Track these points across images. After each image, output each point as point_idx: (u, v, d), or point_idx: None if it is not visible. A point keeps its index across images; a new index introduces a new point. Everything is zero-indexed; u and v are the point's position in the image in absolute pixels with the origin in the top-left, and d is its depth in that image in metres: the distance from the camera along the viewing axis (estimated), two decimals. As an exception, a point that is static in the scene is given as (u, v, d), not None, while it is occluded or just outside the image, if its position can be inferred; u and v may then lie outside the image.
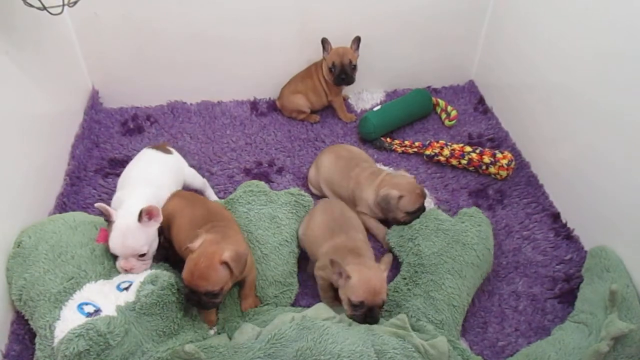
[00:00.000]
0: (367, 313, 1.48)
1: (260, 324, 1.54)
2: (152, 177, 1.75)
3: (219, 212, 1.70)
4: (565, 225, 1.96)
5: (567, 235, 1.92)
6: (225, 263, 1.43)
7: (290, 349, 1.36)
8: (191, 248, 1.46)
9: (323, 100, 2.43)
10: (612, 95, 1.68)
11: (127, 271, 1.54)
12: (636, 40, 1.55)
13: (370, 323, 1.47)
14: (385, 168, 2.16)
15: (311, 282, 1.78)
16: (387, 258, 1.59)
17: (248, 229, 1.74)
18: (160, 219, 1.58)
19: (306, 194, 1.88)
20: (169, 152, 1.92)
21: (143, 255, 1.55)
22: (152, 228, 1.57)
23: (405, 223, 1.82)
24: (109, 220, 1.56)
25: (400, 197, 1.79)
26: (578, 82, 1.86)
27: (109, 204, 1.94)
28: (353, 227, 1.71)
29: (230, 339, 1.51)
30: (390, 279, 1.71)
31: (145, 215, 1.54)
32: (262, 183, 1.89)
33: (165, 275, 1.48)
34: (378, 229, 1.91)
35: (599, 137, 1.77)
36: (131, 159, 2.17)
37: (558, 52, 1.96)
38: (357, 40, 2.31)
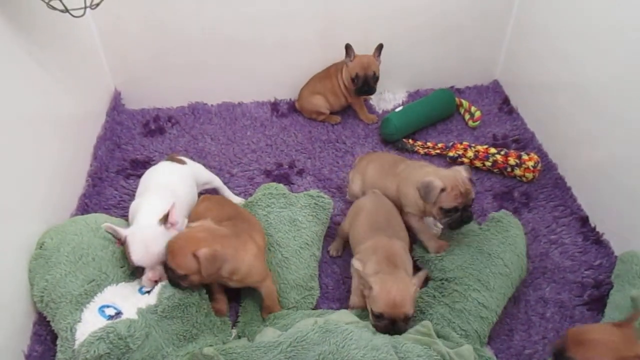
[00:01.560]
0: (390, 325, 1.45)
1: (282, 327, 1.53)
2: (168, 186, 1.71)
3: (247, 216, 1.70)
4: (594, 229, 1.90)
5: (596, 240, 1.86)
6: (195, 256, 1.40)
7: (312, 353, 1.34)
8: (189, 224, 1.47)
9: (342, 101, 2.40)
10: (637, 98, 1.62)
11: (156, 282, 1.48)
12: None
13: (393, 334, 1.44)
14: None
15: (332, 287, 1.75)
16: (422, 273, 1.54)
17: (268, 232, 1.73)
18: (178, 224, 1.55)
19: (326, 195, 1.86)
20: (183, 163, 1.89)
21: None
22: (173, 233, 1.52)
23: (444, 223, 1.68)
24: (119, 239, 1.52)
25: (442, 189, 1.60)
26: (607, 82, 1.80)
27: (130, 205, 1.98)
28: (396, 233, 1.66)
29: (250, 342, 1.50)
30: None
31: (169, 220, 1.51)
32: (281, 185, 1.88)
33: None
34: (425, 233, 1.75)
35: (628, 139, 1.71)
36: (153, 160, 2.21)
37: (586, 51, 1.90)
38: (380, 47, 2.28)
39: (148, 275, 1.48)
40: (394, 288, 1.44)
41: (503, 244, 1.67)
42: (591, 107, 1.91)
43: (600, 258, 1.81)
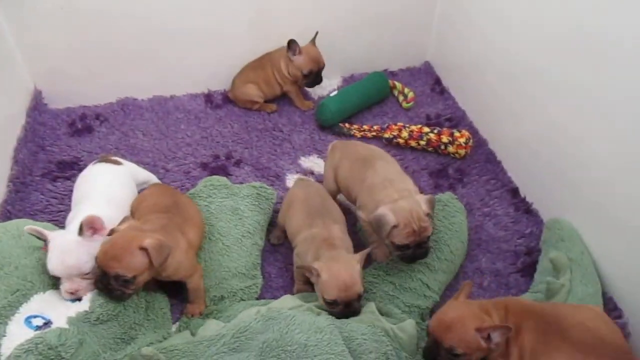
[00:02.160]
0: (345, 309, 1.44)
1: (225, 319, 1.51)
2: (104, 193, 1.62)
3: (184, 209, 1.62)
4: (524, 199, 1.98)
5: (526, 210, 1.94)
6: (144, 249, 1.33)
7: (256, 342, 1.33)
8: (115, 229, 1.38)
9: (276, 91, 2.38)
10: (565, 75, 1.69)
11: (72, 294, 1.39)
12: (593, 20, 1.55)
13: (350, 317, 1.44)
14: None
15: (275, 275, 1.74)
16: (365, 251, 1.52)
17: (210, 221, 1.70)
18: (105, 232, 1.42)
19: (269, 187, 1.84)
20: (118, 163, 1.79)
21: (88, 273, 1.40)
22: (96, 243, 1.40)
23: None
24: (44, 241, 1.42)
25: (395, 226, 1.49)
26: (531, 61, 1.86)
27: (58, 209, 1.88)
28: (331, 217, 1.65)
29: (193, 336, 1.47)
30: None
31: (88, 228, 1.40)
32: (224, 178, 1.85)
33: None
34: (375, 240, 1.67)
35: (553, 114, 1.78)
36: (81, 161, 2.11)
37: (513, 31, 1.96)
38: (315, 35, 2.27)
39: (65, 287, 1.39)
40: (342, 271, 1.43)
41: (450, 230, 1.71)
42: (516, 85, 1.97)
43: (531, 226, 1.88)
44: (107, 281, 1.34)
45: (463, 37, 2.34)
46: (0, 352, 1.26)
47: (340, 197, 1.86)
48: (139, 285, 1.38)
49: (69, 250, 1.38)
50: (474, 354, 1.28)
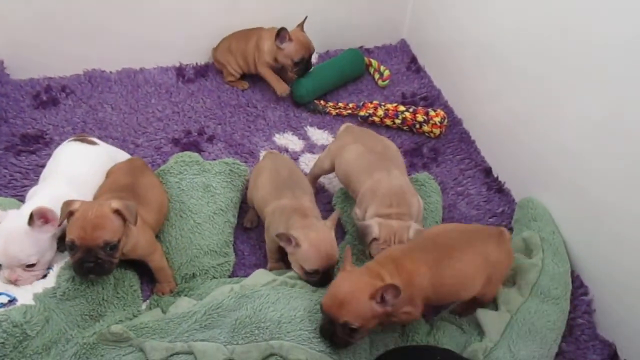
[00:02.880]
0: (323, 277, 1.44)
1: (197, 297, 1.49)
2: (68, 173, 1.55)
3: (144, 193, 1.56)
4: (496, 179, 2.00)
5: (498, 189, 1.97)
6: (117, 211, 1.33)
7: (228, 319, 1.32)
8: (72, 209, 1.31)
9: (251, 69, 2.30)
10: (538, 56, 1.70)
11: (10, 283, 1.32)
12: (563, 2, 1.56)
13: (325, 285, 1.42)
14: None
15: (248, 253, 1.73)
16: (335, 215, 1.51)
17: (180, 199, 1.67)
18: (56, 223, 1.35)
19: (241, 163, 1.81)
20: (93, 143, 1.72)
21: (32, 265, 1.34)
22: (46, 234, 1.35)
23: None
24: None
25: (375, 238, 1.52)
26: (507, 42, 1.86)
27: (22, 184, 1.81)
28: (300, 187, 1.63)
29: (164, 314, 1.45)
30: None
31: (38, 218, 1.33)
32: (195, 154, 1.81)
33: None
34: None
35: (525, 95, 1.80)
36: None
37: (488, 10, 1.96)
38: (304, 21, 2.20)
39: (4, 273, 1.32)
40: (321, 239, 1.42)
41: (425, 210, 1.72)
42: (490, 65, 1.98)
43: (503, 206, 1.91)
44: (94, 256, 1.30)
45: (438, 15, 2.33)
46: (-36, 331, 1.22)
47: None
48: (118, 251, 1.35)
49: (13, 239, 1.30)
50: (370, 324, 1.23)
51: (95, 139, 1.76)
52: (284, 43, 2.13)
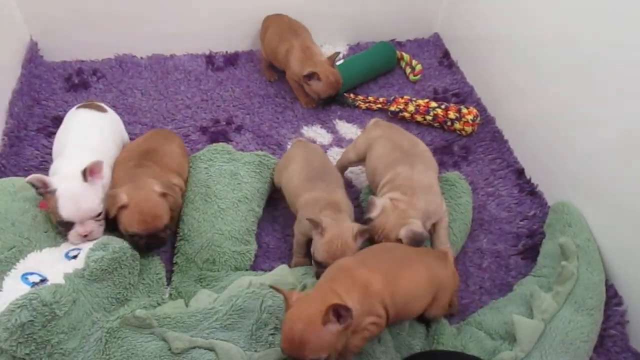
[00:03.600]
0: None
1: (218, 290, 1.49)
2: (89, 142, 1.59)
3: (162, 158, 1.63)
4: (529, 181, 1.95)
5: (531, 191, 1.92)
6: (163, 194, 1.47)
7: (247, 321, 1.33)
8: (123, 204, 1.43)
9: (278, 64, 2.24)
10: (578, 52, 1.64)
11: (86, 237, 1.42)
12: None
13: None
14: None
15: (273, 245, 1.72)
16: (365, 227, 1.45)
17: (207, 183, 1.67)
18: (103, 175, 1.47)
19: (272, 156, 1.80)
20: (103, 110, 1.75)
21: (99, 215, 1.44)
22: (99, 186, 1.46)
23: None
24: (45, 191, 1.40)
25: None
26: (545, 37, 1.80)
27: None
28: (333, 181, 1.61)
29: (186, 305, 1.45)
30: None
31: (90, 173, 1.42)
32: (229, 146, 1.81)
33: (116, 241, 1.41)
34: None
35: (563, 93, 1.74)
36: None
37: (524, 6, 1.90)
38: (336, 56, 2.10)
39: (78, 230, 1.41)
40: (338, 237, 1.41)
41: (455, 211, 1.68)
42: (527, 61, 1.92)
43: (535, 209, 1.86)
44: (156, 239, 1.48)
45: (475, 9, 2.27)
46: (-5, 307, 1.24)
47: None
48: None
49: (80, 194, 1.40)
50: (338, 345, 1.14)
51: (102, 104, 1.78)
52: (312, 81, 2.07)
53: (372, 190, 1.72)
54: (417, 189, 1.53)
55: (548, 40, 1.78)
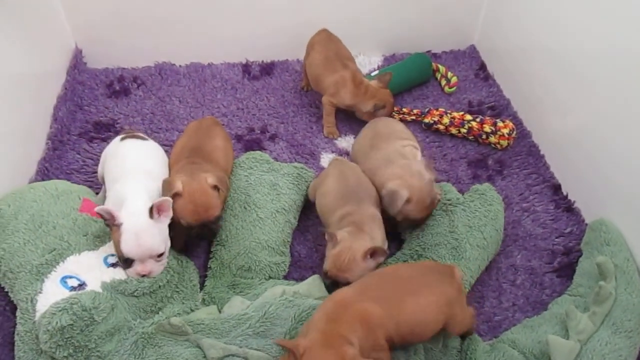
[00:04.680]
0: (332, 284, 1.45)
1: (251, 297, 1.50)
2: (145, 167, 1.60)
3: (211, 154, 1.69)
4: (566, 197, 1.91)
5: (567, 208, 1.88)
6: (215, 186, 1.51)
7: (279, 329, 1.34)
8: (177, 191, 1.47)
9: (312, 85, 2.22)
10: (618, 68, 1.60)
11: (144, 276, 1.40)
12: None
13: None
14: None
15: (304, 255, 1.73)
16: (381, 251, 1.46)
17: (247, 192, 1.70)
18: (171, 213, 1.44)
19: (310, 169, 1.82)
20: (146, 139, 1.77)
21: (160, 255, 1.42)
22: (164, 224, 1.43)
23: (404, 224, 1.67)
24: (113, 224, 1.38)
25: (409, 200, 1.58)
26: (584, 52, 1.77)
27: (93, 170, 1.89)
28: (367, 198, 1.62)
29: (219, 311, 1.48)
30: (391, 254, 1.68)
31: (157, 211, 1.41)
32: (266, 155, 1.84)
33: None
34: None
35: (603, 109, 1.70)
36: (117, 123, 2.11)
37: (565, 18, 1.87)
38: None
39: (137, 269, 1.39)
40: (345, 252, 1.42)
41: (485, 217, 1.66)
42: (568, 74, 1.88)
43: (571, 226, 1.82)
44: (207, 229, 1.54)
45: (512, 22, 2.24)
46: (36, 308, 1.28)
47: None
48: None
49: (144, 232, 1.37)
50: None
51: (141, 134, 1.80)
52: (379, 111, 2.05)
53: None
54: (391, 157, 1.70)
55: (591, 53, 1.75)
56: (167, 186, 1.48)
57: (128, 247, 1.36)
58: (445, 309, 1.30)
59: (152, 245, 1.38)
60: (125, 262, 1.38)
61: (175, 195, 1.46)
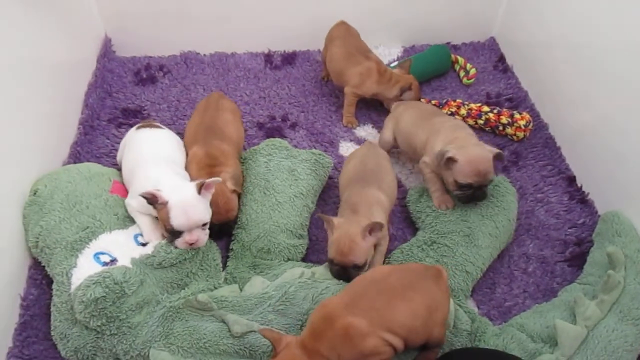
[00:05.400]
0: (341, 271, 1.48)
1: (271, 277, 1.57)
2: (169, 155, 1.72)
3: (223, 129, 1.83)
4: (580, 189, 1.94)
5: (581, 199, 1.91)
6: (234, 191, 1.67)
7: (297, 308, 1.41)
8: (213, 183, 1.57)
9: (331, 77, 2.26)
10: (635, 60, 1.62)
11: (192, 245, 1.50)
12: None
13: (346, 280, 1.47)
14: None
15: (322, 239, 1.79)
16: (375, 222, 1.48)
17: (266, 177, 1.76)
18: (213, 190, 1.57)
19: (327, 155, 1.87)
20: (160, 127, 1.87)
21: (205, 224, 1.53)
22: (207, 198, 1.55)
23: (459, 197, 1.68)
24: (156, 203, 1.48)
25: (454, 160, 1.62)
26: (603, 45, 1.79)
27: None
28: (375, 182, 1.65)
29: (240, 290, 1.55)
30: (403, 241, 1.75)
31: (205, 188, 1.52)
32: (285, 141, 1.89)
33: None
34: (433, 184, 1.75)
35: (620, 102, 1.72)
36: (144, 110, 2.19)
37: (585, 11, 1.88)
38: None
39: (185, 238, 1.49)
40: (343, 236, 1.46)
41: (497, 207, 1.70)
42: (587, 68, 1.90)
43: (584, 217, 1.85)
44: (220, 227, 1.67)
45: (536, 13, 2.25)
46: (71, 281, 1.37)
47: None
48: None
49: (191, 206, 1.48)
50: None
51: (157, 123, 1.91)
52: (405, 94, 2.11)
53: (412, 155, 1.93)
54: (459, 126, 1.78)
55: (610, 47, 1.76)
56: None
57: (178, 221, 1.46)
58: (431, 314, 1.29)
59: (199, 215, 1.50)
60: (174, 234, 1.49)
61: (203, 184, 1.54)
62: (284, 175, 1.76)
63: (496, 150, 1.66)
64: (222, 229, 1.69)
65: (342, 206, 1.62)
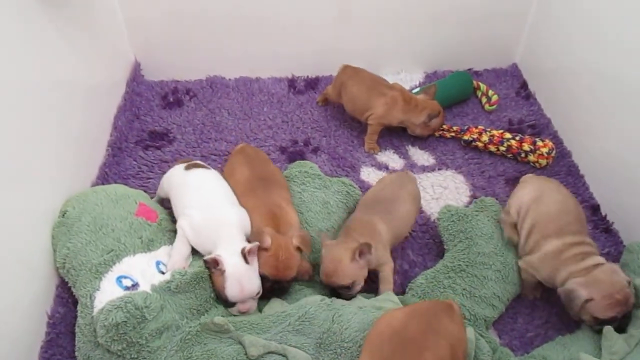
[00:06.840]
0: (332, 291, 1.54)
1: (290, 301, 1.58)
2: (226, 195, 1.71)
3: (274, 179, 1.78)
4: (604, 218, 1.91)
5: (605, 229, 1.88)
6: (298, 248, 1.56)
7: (317, 329, 1.41)
8: (265, 247, 1.54)
9: (348, 109, 2.25)
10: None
11: (244, 313, 1.52)
12: None
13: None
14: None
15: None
16: (358, 246, 1.51)
17: (300, 209, 1.77)
18: (256, 255, 1.55)
19: (357, 187, 1.87)
20: (208, 168, 1.86)
21: (257, 294, 1.54)
22: (256, 265, 1.54)
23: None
24: (214, 268, 1.50)
25: (589, 300, 1.47)
26: (628, 72, 1.78)
27: (147, 175, 2.02)
28: (381, 212, 1.66)
29: (260, 311, 1.56)
30: (423, 267, 1.75)
31: (249, 254, 1.52)
32: (315, 166, 1.90)
33: (198, 262, 1.55)
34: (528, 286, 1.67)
35: (647, 130, 1.71)
36: (170, 133, 2.24)
37: (609, 38, 1.88)
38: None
39: (238, 307, 1.52)
40: (328, 258, 1.51)
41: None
42: (611, 95, 1.89)
43: (609, 247, 1.82)
44: (282, 285, 1.58)
45: (555, 40, 2.25)
46: (94, 304, 1.40)
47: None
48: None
49: (245, 279, 1.49)
50: None
51: (201, 162, 1.89)
52: (433, 120, 2.14)
53: None
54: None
55: (632, 73, 1.76)
56: (256, 237, 1.56)
57: (233, 293, 1.49)
58: (452, 351, 1.26)
59: (252, 289, 1.51)
60: (227, 302, 1.51)
61: (261, 248, 1.54)
62: (318, 208, 1.77)
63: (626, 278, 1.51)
64: (274, 289, 1.57)
65: (341, 228, 1.65)
